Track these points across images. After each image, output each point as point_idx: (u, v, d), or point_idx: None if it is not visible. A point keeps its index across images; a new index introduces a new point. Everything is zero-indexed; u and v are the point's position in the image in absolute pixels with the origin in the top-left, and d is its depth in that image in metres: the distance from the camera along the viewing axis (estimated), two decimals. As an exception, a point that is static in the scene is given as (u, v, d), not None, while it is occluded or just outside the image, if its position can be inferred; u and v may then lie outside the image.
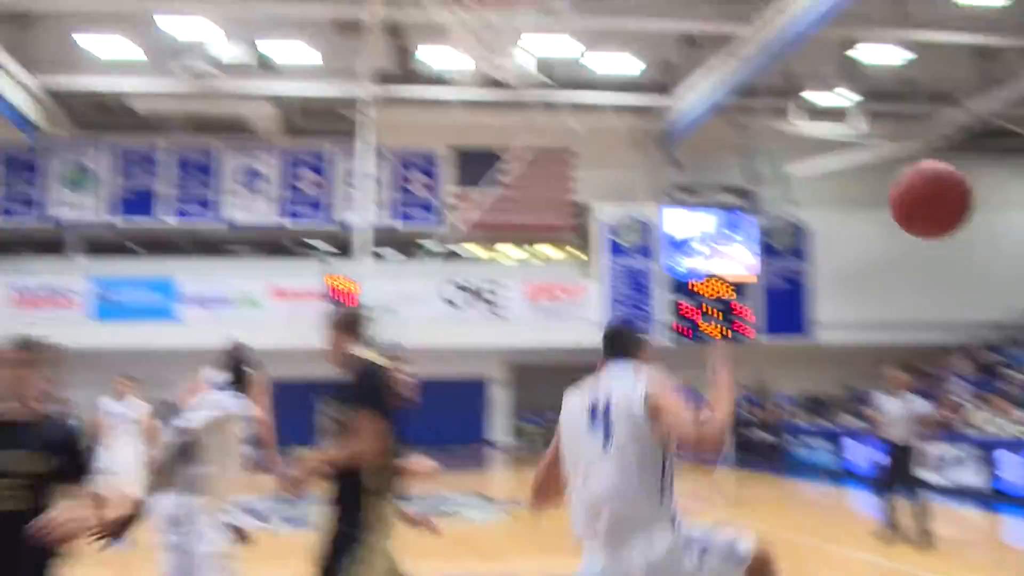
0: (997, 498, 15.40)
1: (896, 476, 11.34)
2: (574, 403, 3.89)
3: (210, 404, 6.10)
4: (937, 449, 17.22)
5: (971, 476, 16.15)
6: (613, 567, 3.55)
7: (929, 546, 10.89)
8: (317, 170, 27.35)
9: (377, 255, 26.77)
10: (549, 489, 4.02)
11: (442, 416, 26.96)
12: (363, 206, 24.62)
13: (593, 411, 3.74)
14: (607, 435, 3.63)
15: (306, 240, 28.44)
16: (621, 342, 4.11)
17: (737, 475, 20.59)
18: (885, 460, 11.62)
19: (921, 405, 11.71)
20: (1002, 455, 15.64)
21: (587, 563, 3.66)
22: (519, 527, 13.51)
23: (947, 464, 16.81)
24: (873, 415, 11.81)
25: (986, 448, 16.10)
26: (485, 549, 11.25)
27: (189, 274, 26.18)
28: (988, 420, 18.00)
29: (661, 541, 3.51)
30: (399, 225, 27.42)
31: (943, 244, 24.72)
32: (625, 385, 3.77)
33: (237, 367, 6.46)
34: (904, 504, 11.30)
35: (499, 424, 29.16)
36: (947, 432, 18.37)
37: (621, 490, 3.56)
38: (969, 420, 18.61)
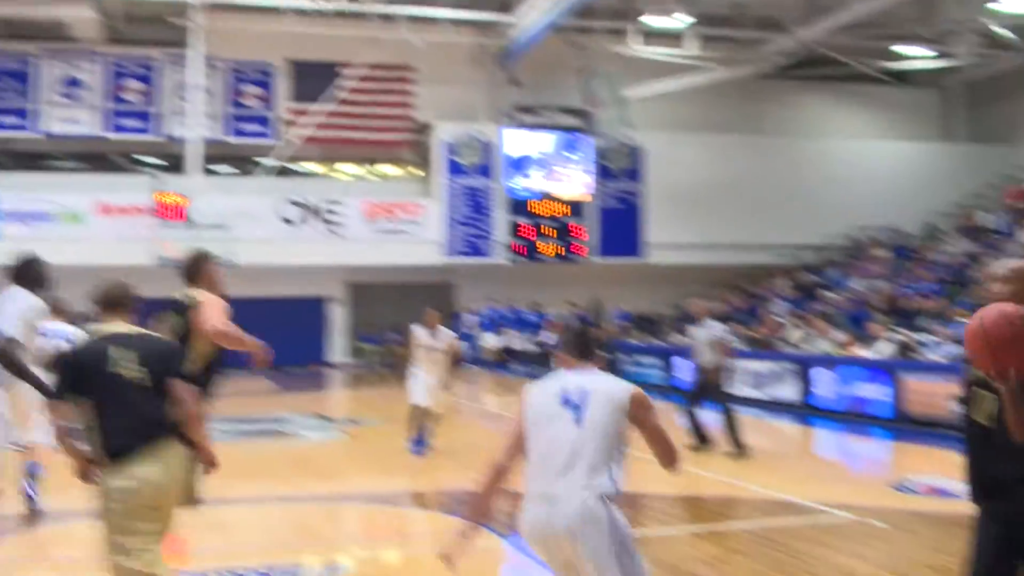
0: (811, 412, 16.41)
1: (704, 394, 12.17)
2: (542, 392, 4.41)
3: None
4: (757, 365, 18.20)
5: (788, 391, 17.12)
6: (560, 515, 4.09)
7: (742, 456, 11.61)
8: (144, 80, 26.21)
9: (209, 171, 26.04)
10: (505, 474, 4.47)
11: (280, 336, 26.51)
12: (194, 119, 23.83)
13: (566, 398, 4.30)
14: (580, 415, 4.23)
15: (134, 155, 27.36)
16: (587, 347, 4.57)
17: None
18: (694, 380, 12.52)
19: (720, 331, 12.50)
20: (817, 372, 16.62)
21: (534, 518, 4.18)
22: (357, 447, 13.65)
23: (766, 379, 17.77)
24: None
25: (802, 364, 17.07)
26: (323, 469, 11.34)
27: (7, 189, 24.83)
28: (805, 338, 19.04)
29: (599, 507, 4.09)
30: (232, 140, 26.68)
31: (770, 169, 25.63)
32: (606, 381, 4.40)
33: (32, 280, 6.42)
34: (715, 419, 12.10)
35: (338, 344, 29.09)
36: (767, 349, 19.39)
37: (583, 458, 4.15)
38: (787, 338, 19.64)
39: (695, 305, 13.07)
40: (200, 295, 5.73)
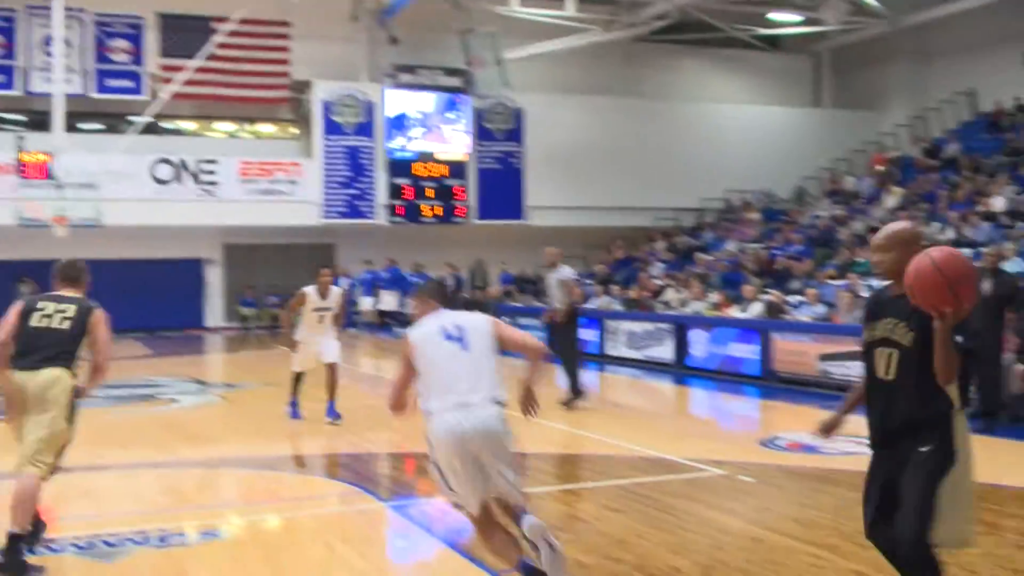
0: (687, 371, 16.85)
1: (558, 343, 12.29)
2: (423, 334, 5.32)
3: None
4: (634, 326, 18.57)
5: (664, 351, 17.53)
6: (467, 420, 5.01)
7: (578, 401, 12.22)
8: (4, 33, 25.02)
9: (77, 129, 25.12)
10: (405, 399, 5.36)
11: (154, 299, 26.06)
12: (58, 75, 22.89)
13: (447, 334, 5.27)
14: (464, 344, 5.23)
15: (-6, 110, 26.19)
16: (447, 294, 5.72)
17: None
18: (549, 332, 12.75)
19: (566, 272, 12.74)
20: (692, 332, 17.06)
21: (447, 421, 5.04)
22: (233, 411, 13.48)
23: (643, 340, 18.16)
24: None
25: (678, 325, 17.48)
26: (198, 434, 11.17)
27: None
28: (681, 300, 19.49)
29: (493, 410, 5.10)
30: (100, 96, 25.74)
31: (648, 132, 26.00)
32: (469, 316, 5.51)
33: None
34: (573, 369, 12.52)
35: (215, 307, 28.53)
36: (644, 311, 19.79)
37: (474, 378, 5.14)
38: (665, 299, 20.07)
39: (548, 252, 13.09)
40: None
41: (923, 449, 4.18)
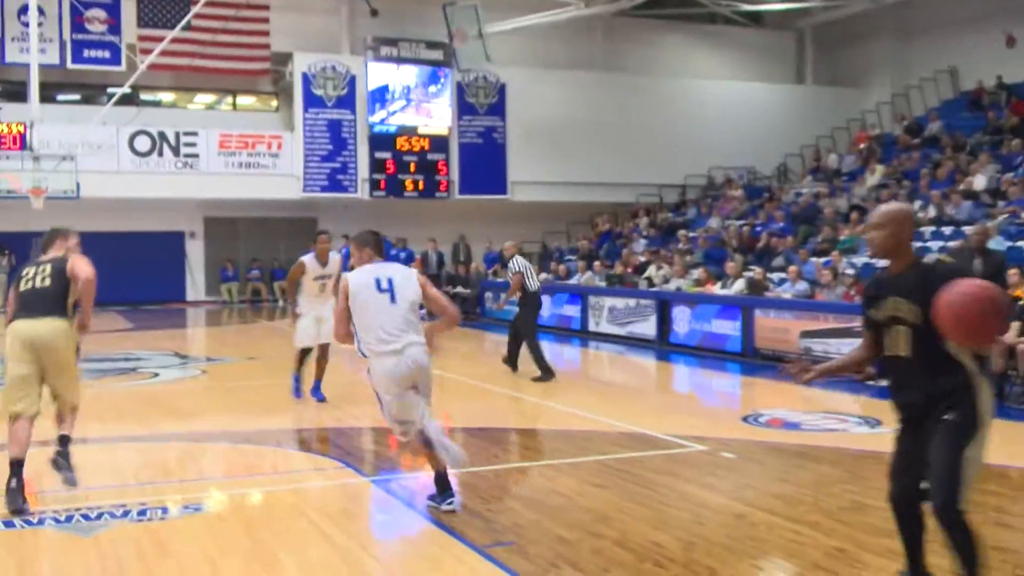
0: (670, 348, 16.91)
1: (521, 323, 13.44)
2: (359, 283, 6.31)
3: None
4: (617, 302, 18.61)
5: (647, 328, 17.57)
6: (403, 362, 6.20)
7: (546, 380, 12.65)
8: (-21, 2, 24.71)
9: (52, 100, 24.89)
10: (350, 331, 6.36)
11: (135, 272, 25.90)
12: (34, 44, 22.62)
13: (378, 283, 6.29)
14: (393, 296, 6.27)
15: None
16: (382, 247, 6.63)
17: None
18: (516, 313, 13.73)
19: (515, 265, 13.54)
20: (675, 309, 17.10)
21: (386, 364, 6.22)
22: (214, 385, 13.44)
23: (626, 316, 18.20)
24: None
25: (661, 301, 17.52)
26: (178, 408, 11.14)
27: None
28: (664, 276, 19.51)
29: (421, 348, 6.29)
30: (77, 67, 25.46)
31: (631, 107, 25.92)
32: (400, 270, 6.51)
33: None
34: (535, 351, 13.06)
35: (197, 280, 28.42)
36: (628, 287, 19.82)
37: (404, 323, 6.26)
38: (647, 276, 20.09)
39: (505, 247, 14.40)
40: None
41: (947, 417, 4.34)
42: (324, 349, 11.06)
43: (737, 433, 9.35)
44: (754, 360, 14.90)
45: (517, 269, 13.48)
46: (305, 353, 11.20)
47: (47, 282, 6.68)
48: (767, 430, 9.59)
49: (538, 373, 12.76)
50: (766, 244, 19.80)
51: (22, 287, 6.74)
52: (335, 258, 11.08)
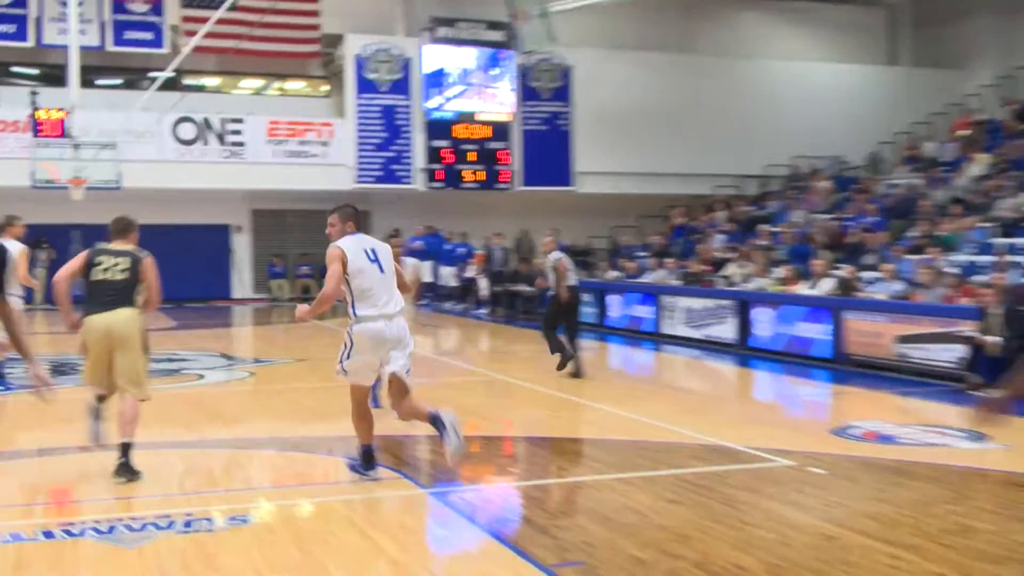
0: (750, 352, 16.71)
1: (559, 319, 13.94)
2: (354, 251, 7.22)
3: None
4: (693, 303, 18.44)
5: (726, 330, 17.39)
6: (392, 327, 7.27)
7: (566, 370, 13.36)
8: (17, -20, 25.22)
9: (92, 84, 25.30)
10: (334, 295, 7.20)
11: (178, 268, 26.10)
12: (73, 25, 23.01)
13: (370, 256, 7.27)
14: (381, 266, 7.29)
15: (7, 64, 26.42)
16: (360, 219, 7.59)
17: (494, 328, 21.28)
18: (550, 308, 14.25)
19: (553, 257, 13.91)
20: (756, 310, 16.90)
21: (378, 328, 7.22)
22: (262, 389, 13.56)
23: (702, 318, 18.04)
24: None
25: (741, 302, 17.33)
26: (225, 413, 11.25)
27: None
28: (744, 274, 19.32)
29: (404, 319, 7.42)
30: (118, 50, 25.88)
31: (706, 91, 25.66)
32: (378, 242, 7.52)
33: None
34: (571, 343, 13.66)
35: (243, 276, 28.74)
36: (704, 286, 19.65)
37: (388, 294, 7.29)
38: (726, 274, 19.91)
39: (544, 241, 14.85)
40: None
41: None
42: None
43: (826, 447, 9.20)
44: (844, 367, 14.66)
45: (555, 259, 13.90)
46: None
47: (122, 275, 7.68)
48: (860, 443, 9.42)
49: (569, 369, 13.50)
50: (856, 240, 19.50)
51: (97, 276, 7.66)
52: (410, 263, 11.30)
